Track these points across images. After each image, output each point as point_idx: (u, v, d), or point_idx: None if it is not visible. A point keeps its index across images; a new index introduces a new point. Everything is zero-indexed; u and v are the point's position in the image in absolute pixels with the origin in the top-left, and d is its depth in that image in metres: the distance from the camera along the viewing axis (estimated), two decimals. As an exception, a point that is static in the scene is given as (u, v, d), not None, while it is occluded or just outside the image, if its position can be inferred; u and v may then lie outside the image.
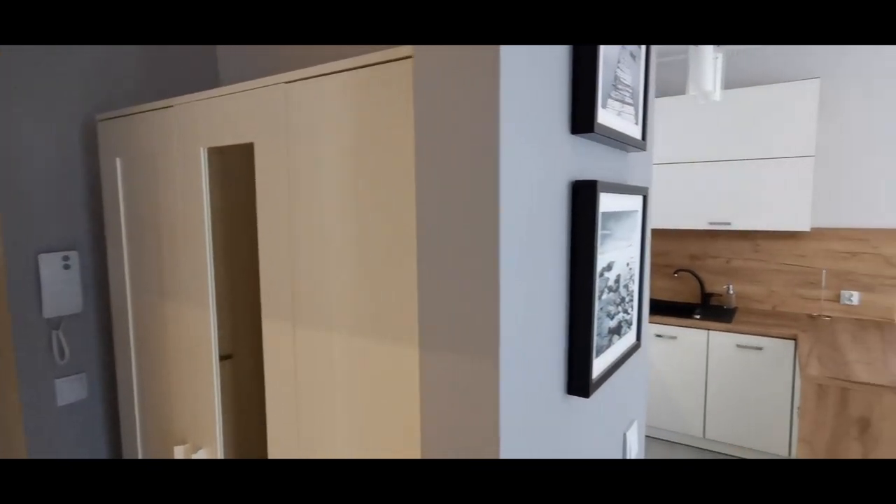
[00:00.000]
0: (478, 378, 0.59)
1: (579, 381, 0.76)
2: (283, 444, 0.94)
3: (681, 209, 3.27)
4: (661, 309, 3.37)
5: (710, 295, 3.46)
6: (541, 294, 0.69)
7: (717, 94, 2.35)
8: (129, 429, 1.43)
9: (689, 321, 3.06)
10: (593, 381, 0.78)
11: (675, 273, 3.52)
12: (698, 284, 3.53)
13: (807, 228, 2.91)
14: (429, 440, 0.64)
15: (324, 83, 0.79)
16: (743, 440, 2.97)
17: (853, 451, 2.08)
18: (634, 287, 0.99)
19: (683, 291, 3.60)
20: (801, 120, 2.87)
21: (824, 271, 3.12)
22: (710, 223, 3.18)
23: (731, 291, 3.34)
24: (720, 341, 2.98)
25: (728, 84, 3.33)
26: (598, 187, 0.74)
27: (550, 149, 0.70)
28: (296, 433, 0.91)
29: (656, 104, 3.27)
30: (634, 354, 1.08)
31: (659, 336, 3.16)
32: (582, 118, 0.73)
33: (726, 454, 3.08)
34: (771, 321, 3.01)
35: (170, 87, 1.59)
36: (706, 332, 3.02)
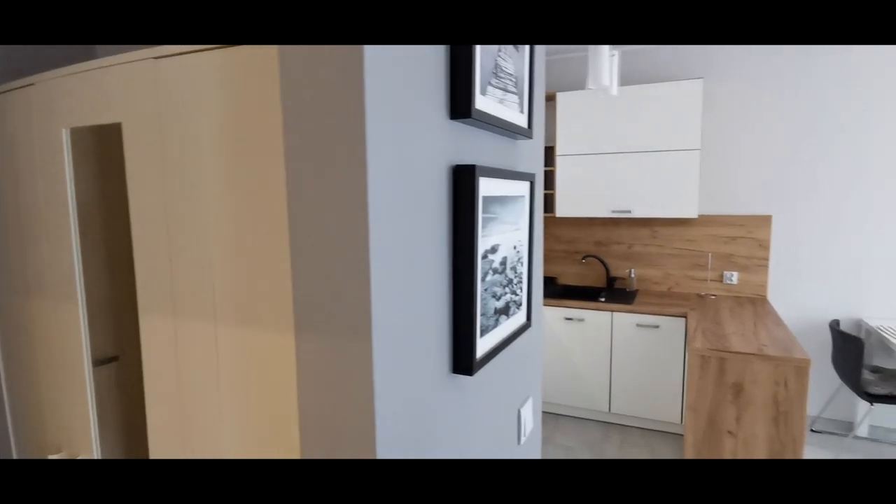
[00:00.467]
0: (352, 361, 0.59)
1: (464, 360, 0.79)
2: (166, 446, 0.89)
3: (587, 199, 3.46)
4: (571, 293, 3.56)
5: (615, 279, 3.70)
6: (420, 276, 0.70)
7: (614, 90, 2.51)
8: (3, 437, 1.29)
9: (595, 304, 3.26)
10: (477, 360, 0.81)
11: (583, 259, 3.73)
12: (604, 269, 3.76)
13: (694, 215, 3.19)
14: (308, 424, 0.63)
15: (197, 59, 0.75)
16: (644, 412, 3.22)
17: (730, 414, 2.32)
18: (523, 269, 1.03)
19: (591, 276, 3.82)
20: (688, 116, 3.13)
21: (710, 255, 3.44)
22: (613, 211, 3.39)
23: (633, 275, 3.59)
24: (622, 322, 3.20)
25: (625, 81, 3.56)
26: (478, 171, 0.77)
27: (428, 134, 0.71)
28: (179, 434, 0.87)
29: (561, 99, 3.42)
30: (525, 334, 1.14)
31: (568, 319, 3.33)
32: (460, 104, 0.75)
33: (630, 426, 3.32)
34: (666, 301, 3.28)
35: (36, 66, 1.43)
36: (610, 313, 3.23)
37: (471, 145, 0.84)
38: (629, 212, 3.35)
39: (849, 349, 2.73)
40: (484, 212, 0.83)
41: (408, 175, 0.66)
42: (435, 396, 0.76)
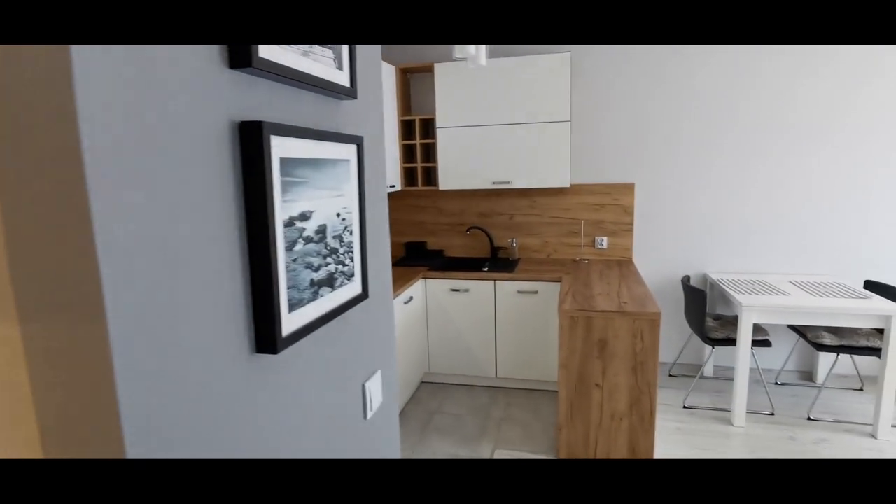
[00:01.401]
0: (86, 349, 0.50)
1: (266, 337, 0.72)
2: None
3: (469, 171, 3.49)
4: (456, 265, 3.61)
5: (498, 249, 3.81)
6: (195, 247, 0.62)
7: (482, 59, 2.51)
8: None
9: (479, 274, 3.33)
10: (285, 337, 0.75)
11: (467, 231, 3.79)
12: (488, 240, 3.85)
13: (567, 185, 3.35)
14: (47, 421, 0.53)
15: None
16: (527, 374, 3.38)
17: (597, 368, 2.50)
18: (353, 239, 0.98)
19: (476, 247, 3.90)
20: (558, 88, 3.25)
21: (583, 222, 3.66)
22: (494, 183, 3.46)
23: (514, 244, 3.72)
24: (505, 289, 3.30)
25: (497, 53, 3.61)
26: (267, 129, 0.69)
27: (195, 85, 0.61)
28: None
29: (439, 70, 3.39)
30: (362, 305, 1.09)
31: (455, 290, 3.38)
32: (240, 52, 0.66)
33: (515, 388, 3.48)
34: (545, 268, 3.43)
35: None
36: (493, 282, 3.32)
37: (267, 101, 0.75)
38: (509, 183, 3.44)
39: (695, 301, 3.05)
40: (287, 175, 0.75)
41: (160, 132, 0.56)
42: (230, 380, 0.69)
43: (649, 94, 3.42)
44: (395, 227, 4.01)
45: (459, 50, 2.36)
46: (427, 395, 3.42)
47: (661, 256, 3.60)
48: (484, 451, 2.74)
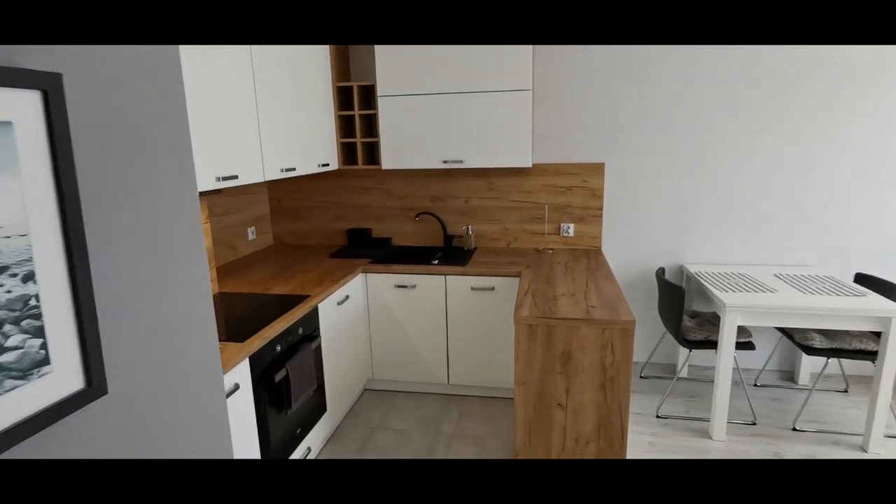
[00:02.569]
0: None
1: None
2: None
3: (416, 148, 2.99)
4: (403, 256, 3.14)
5: (452, 237, 3.35)
6: None
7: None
8: None
9: (426, 268, 2.87)
10: None
11: (416, 217, 3.31)
12: (441, 227, 3.39)
13: (529, 164, 2.90)
14: None
15: None
16: (483, 380, 2.97)
17: (559, 385, 2.10)
18: (46, 280, 0.49)
19: (428, 234, 3.43)
20: (518, 52, 2.77)
21: (546, 206, 3.23)
22: (445, 162, 2.98)
23: (470, 232, 3.27)
24: (457, 285, 2.86)
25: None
26: None
27: None
28: None
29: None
30: (86, 413, 0.59)
31: (400, 286, 2.92)
32: None
33: (470, 395, 3.08)
34: (503, 259, 3.00)
35: None
36: (443, 277, 2.87)
37: None
38: (461, 162, 2.96)
39: (671, 298, 2.68)
40: None
41: None
42: None
43: (622, 61, 2.97)
44: (335, 211, 3.50)
45: None
46: (369, 406, 2.98)
47: (632, 245, 3.21)
48: (428, 481, 2.32)
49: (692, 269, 3.06)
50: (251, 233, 3.32)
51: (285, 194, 3.52)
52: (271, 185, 3.53)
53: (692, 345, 2.69)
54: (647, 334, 3.35)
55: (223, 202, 3.00)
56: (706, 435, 2.60)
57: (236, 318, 2.07)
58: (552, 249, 3.23)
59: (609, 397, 2.07)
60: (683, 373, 3.22)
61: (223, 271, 2.84)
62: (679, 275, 3.22)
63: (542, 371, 2.10)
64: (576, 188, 3.17)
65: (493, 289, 2.83)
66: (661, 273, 2.93)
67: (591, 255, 3.05)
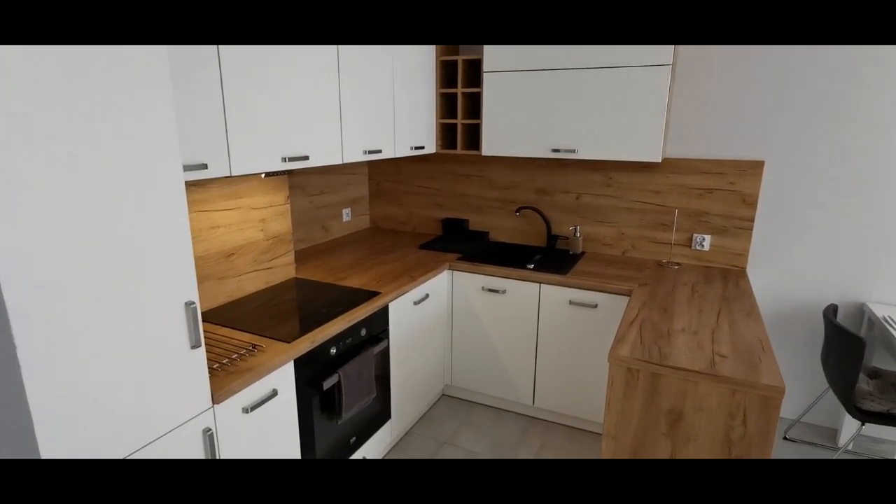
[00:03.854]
0: None
1: None
2: None
3: (521, 133, 2.59)
4: (496, 254, 2.78)
5: (557, 237, 2.91)
6: None
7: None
8: None
9: (519, 272, 2.49)
10: None
11: (517, 211, 2.92)
12: (545, 224, 2.96)
13: (658, 159, 2.34)
14: None
15: None
16: (574, 409, 2.54)
17: (661, 450, 1.62)
18: None
19: (528, 232, 3.03)
20: (658, 14, 2.20)
21: (676, 211, 2.63)
22: (553, 151, 2.54)
23: (578, 234, 2.80)
24: (553, 296, 2.44)
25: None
26: None
27: None
28: None
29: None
30: None
31: (489, 290, 2.58)
32: None
33: (556, 423, 2.66)
34: (614, 270, 2.50)
35: None
36: (538, 285, 2.47)
37: None
38: (574, 152, 2.50)
39: (843, 349, 1.99)
40: None
41: None
42: None
43: (806, 25, 2.24)
44: (433, 198, 3.24)
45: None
46: (443, 415, 2.72)
47: (792, 271, 2.49)
48: (489, 524, 1.99)
49: (879, 311, 2.27)
50: (346, 214, 3.20)
51: (384, 177, 3.35)
52: (371, 165, 3.39)
53: (867, 416, 1.98)
54: (803, 383, 2.61)
55: (320, 181, 2.90)
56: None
57: (293, 313, 1.91)
58: (678, 265, 2.63)
59: (732, 479, 1.54)
60: (848, 445, 2.45)
61: (309, 253, 2.74)
62: (858, 318, 2.43)
63: (640, 427, 1.63)
64: (718, 191, 2.52)
65: (595, 306, 2.36)
66: (831, 313, 2.20)
67: (730, 278, 2.41)
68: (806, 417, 2.66)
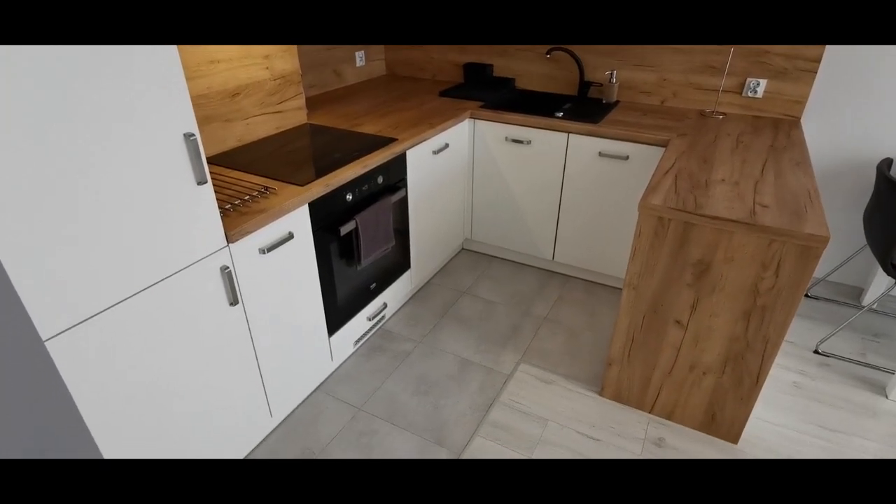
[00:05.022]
0: None
1: None
2: None
3: (559, -49, 2.19)
4: (522, 103, 2.56)
5: (590, 84, 2.64)
6: None
7: None
8: None
9: (546, 121, 2.30)
10: None
11: (547, 53, 2.61)
12: (577, 69, 2.67)
13: (719, -18, 1.98)
14: None
15: None
16: (594, 263, 2.52)
17: (684, 299, 1.59)
18: None
19: (560, 78, 2.75)
20: None
21: (732, 50, 2.30)
22: (596, -26, 2.17)
23: (614, 80, 2.52)
24: (581, 146, 2.28)
25: None
26: None
27: None
28: None
29: None
30: None
31: (514, 141, 2.42)
32: None
33: (574, 277, 2.67)
34: (650, 120, 2.29)
35: None
36: (566, 135, 2.29)
37: None
38: (620, -26, 2.12)
39: (891, 204, 1.84)
40: None
41: None
42: None
43: None
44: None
45: None
46: (462, 267, 2.75)
47: (851, 121, 2.24)
48: (503, 364, 2.09)
49: (943, 165, 2.06)
50: (359, 58, 2.93)
51: (399, 13, 2.99)
52: None
53: (903, 274, 1.90)
54: (836, 242, 2.51)
55: (326, 17, 2.60)
56: (881, 391, 1.96)
57: (306, 158, 1.81)
58: (724, 114, 2.39)
59: (752, 331, 1.53)
60: (874, 304, 2.42)
61: (321, 100, 2.56)
62: (915, 171, 2.23)
63: (664, 278, 1.59)
64: (786, 25, 2.17)
65: (626, 158, 2.20)
66: (885, 166, 2.01)
67: (781, 128, 2.19)
68: (834, 276, 2.60)
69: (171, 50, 1.10)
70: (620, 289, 2.57)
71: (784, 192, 1.56)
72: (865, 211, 2.15)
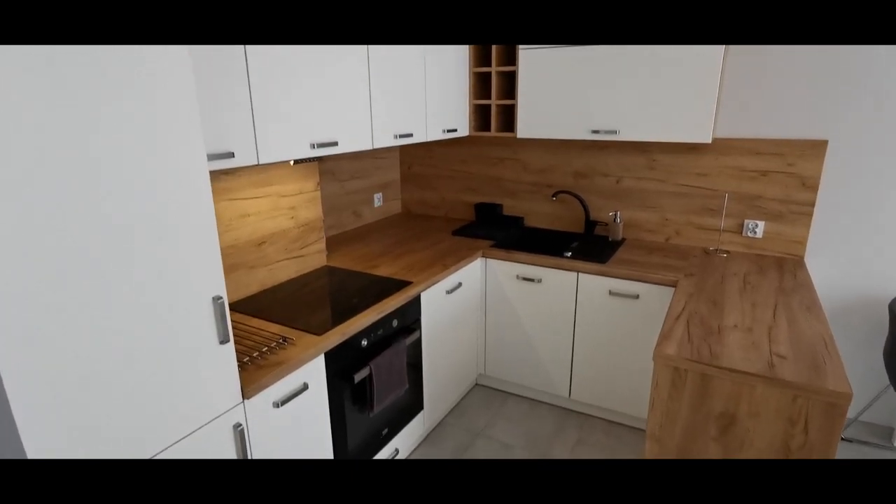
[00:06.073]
0: None
1: None
2: None
3: (559, 114, 2.46)
4: (532, 241, 2.68)
5: (595, 223, 2.78)
6: None
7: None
8: None
9: (556, 260, 2.39)
10: None
11: (553, 196, 2.79)
12: (583, 209, 2.83)
13: (708, 140, 2.18)
14: None
15: None
16: (612, 402, 2.44)
17: (710, 453, 1.51)
18: None
19: (566, 217, 2.90)
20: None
21: (727, 195, 2.45)
22: (593, 132, 2.40)
23: (619, 220, 2.66)
24: (591, 286, 2.33)
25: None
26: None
27: None
28: None
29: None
30: None
31: (525, 279, 2.49)
32: None
33: (593, 416, 2.57)
34: (657, 259, 2.37)
35: None
36: (575, 274, 2.36)
37: None
38: (615, 133, 2.35)
39: (916, 349, 1.81)
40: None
41: None
42: None
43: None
44: (466, 181, 3.15)
45: None
46: (477, 405, 2.67)
47: (855, 260, 2.29)
48: (524, 520, 1.94)
49: (956, 305, 2.07)
50: (377, 199, 3.15)
51: (415, 160, 3.27)
52: (402, 149, 3.31)
53: (941, 421, 1.81)
54: (861, 380, 2.43)
55: (350, 166, 2.85)
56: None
57: (324, 303, 1.87)
58: (727, 252, 2.47)
59: (789, 489, 1.43)
60: (912, 446, 2.28)
61: (340, 240, 2.71)
62: (929, 309, 2.23)
63: (687, 429, 1.53)
64: (774, 173, 2.33)
65: (637, 297, 2.24)
66: (899, 306, 2.02)
67: (786, 268, 2.24)
68: (865, 415, 2.48)
69: (210, 214, 1.20)
70: (642, 429, 2.46)
71: (800, 340, 1.56)
72: (885, 351, 2.11)
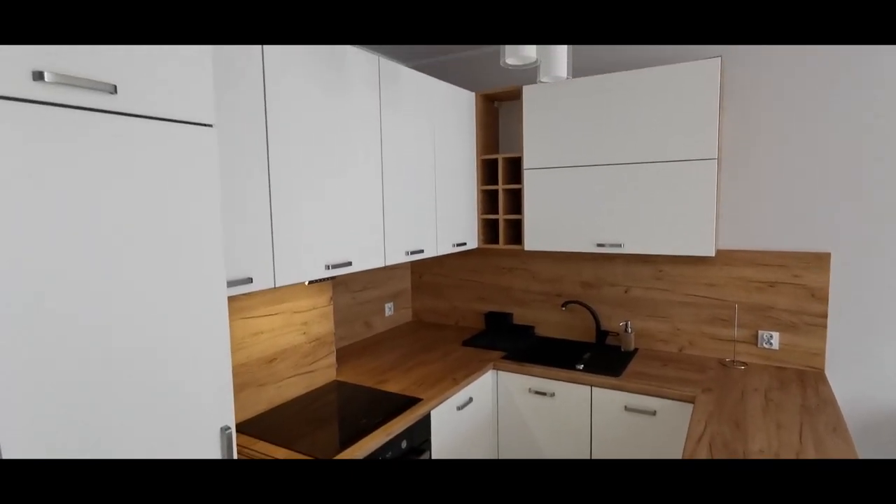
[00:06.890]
0: None
1: None
2: None
3: (564, 227, 2.56)
4: (544, 351, 2.65)
5: (606, 333, 2.76)
6: None
7: (563, 71, 1.65)
8: None
9: (568, 373, 2.35)
10: None
11: (563, 306, 2.81)
12: (593, 319, 2.83)
13: (711, 253, 2.23)
14: None
15: None
16: (636, 531, 2.25)
17: None
18: None
19: (577, 326, 2.90)
20: (699, 111, 2.20)
21: (737, 306, 2.45)
22: (599, 245, 2.48)
23: (630, 329, 2.64)
24: (606, 400, 2.27)
25: (611, 66, 2.66)
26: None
27: None
28: None
29: (528, 94, 2.56)
30: None
31: (537, 392, 2.43)
32: None
33: (619, 546, 2.36)
34: (672, 371, 2.32)
35: None
36: (589, 388, 2.31)
37: None
38: (620, 246, 2.43)
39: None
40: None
41: None
42: None
43: (848, 117, 2.17)
44: (476, 291, 3.20)
45: (545, 71, 1.52)
46: (490, 534, 2.47)
47: (878, 373, 2.22)
48: None
49: None
50: (389, 308, 3.19)
51: (426, 269, 3.36)
52: (413, 259, 3.41)
53: None
54: None
55: (363, 277, 2.93)
56: None
57: (332, 423, 1.83)
58: (745, 364, 2.41)
59: None
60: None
61: (351, 351, 2.70)
62: (967, 426, 2.11)
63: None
64: (782, 284, 2.35)
65: (654, 413, 2.16)
66: (933, 425, 1.92)
67: (807, 382, 2.18)
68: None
69: (225, 344, 1.23)
70: (674, 564, 2.24)
71: (830, 468, 1.47)
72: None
